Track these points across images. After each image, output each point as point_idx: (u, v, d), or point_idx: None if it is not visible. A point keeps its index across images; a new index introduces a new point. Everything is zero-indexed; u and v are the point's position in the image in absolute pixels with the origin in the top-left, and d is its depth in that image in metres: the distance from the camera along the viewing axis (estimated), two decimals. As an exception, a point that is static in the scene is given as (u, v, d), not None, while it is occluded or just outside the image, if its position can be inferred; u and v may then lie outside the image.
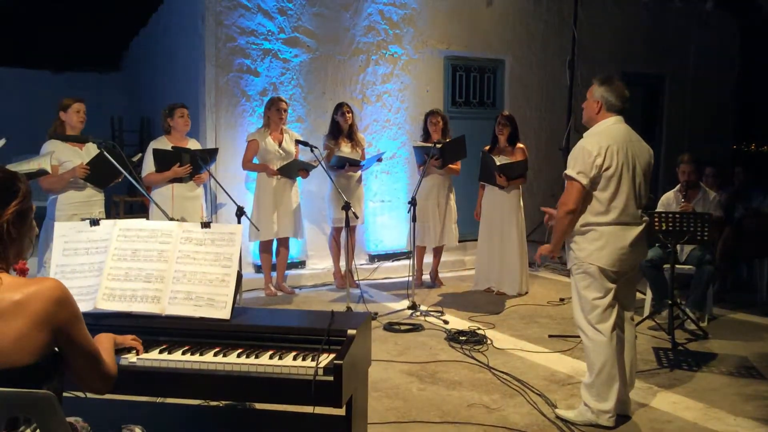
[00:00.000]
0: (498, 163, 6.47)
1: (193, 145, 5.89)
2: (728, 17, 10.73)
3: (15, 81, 9.91)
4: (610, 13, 9.43)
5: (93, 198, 5.13)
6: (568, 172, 3.60)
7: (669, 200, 5.91)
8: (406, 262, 7.25)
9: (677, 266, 5.44)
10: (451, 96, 8.49)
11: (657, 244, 5.56)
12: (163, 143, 5.73)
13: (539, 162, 8.86)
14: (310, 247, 7.43)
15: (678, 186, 5.88)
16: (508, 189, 6.61)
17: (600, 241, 3.58)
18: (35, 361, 1.72)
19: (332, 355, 2.35)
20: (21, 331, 1.69)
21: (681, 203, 5.67)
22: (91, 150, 5.06)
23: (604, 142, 3.55)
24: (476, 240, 7.07)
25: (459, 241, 7.23)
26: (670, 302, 5.15)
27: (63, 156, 4.97)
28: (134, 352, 2.39)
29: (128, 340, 2.38)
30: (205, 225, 2.69)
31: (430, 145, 6.55)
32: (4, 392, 1.64)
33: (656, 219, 5.17)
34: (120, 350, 2.37)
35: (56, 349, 1.79)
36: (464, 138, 6.70)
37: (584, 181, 3.53)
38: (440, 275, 7.32)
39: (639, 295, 5.55)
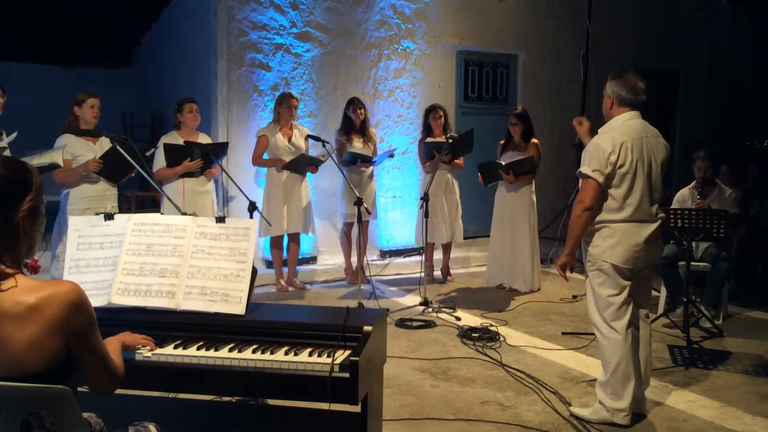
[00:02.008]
0: (504, 163, 6.46)
1: (203, 139, 5.89)
2: (743, 12, 10.63)
3: (26, 76, 9.94)
4: (624, 8, 9.35)
5: (106, 192, 5.15)
6: (583, 169, 3.55)
7: (684, 197, 5.86)
8: (418, 258, 7.23)
9: (692, 263, 5.38)
10: (463, 91, 8.45)
11: (672, 241, 5.51)
12: (174, 138, 5.73)
13: (552, 158, 8.81)
14: (321, 243, 7.42)
15: (693, 182, 5.82)
16: (520, 185, 6.57)
17: (613, 239, 3.54)
18: (47, 367, 1.68)
19: (348, 352, 2.32)
20: (34, 337, 1.64)
21: (696, 200, 5.61)
22: (104, 145, 5.07)
23: (618, 138, 3.50)
24: (485, 236, 7.03)
25: (467, 238, 7.20)
26: (684, 300, 5.10)
27: (76, 150, 4.99)
28: (148, 348, 2.38)
29: (138, 340, 2.35)
30: (220, 220, 2.68)
31: (442, 140, 6.51)
32: (18, 387, 1.62)
33: (671, 216, 5.12)
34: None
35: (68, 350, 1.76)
36: (473, 132, 6.68)
37: (600, 178, 3.49)
38: (451, 271, 7.28)
39: (653, 293, 5.50)
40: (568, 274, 3.72)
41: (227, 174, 5.72)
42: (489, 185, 6.77)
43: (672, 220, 5.10)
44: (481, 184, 6.76)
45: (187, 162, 5.61)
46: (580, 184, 3.64)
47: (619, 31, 9.30)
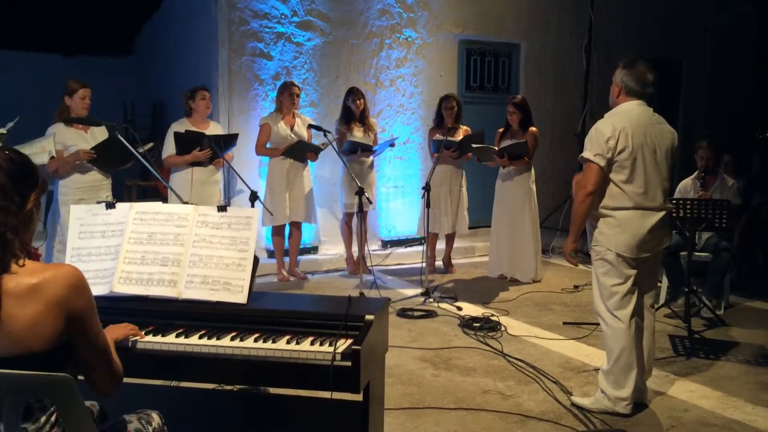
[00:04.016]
0: (497, 148, 6.49)
1: (213, 127, 5.90)
2: (747, 1, 10.57)
3: (26, 65, 9.91)
4: (627, -4, 9.31)
5: (102, 182, 5.11)
6: (585, 154, 3.55)
7: (686, 187, 5.84)
8: (419, 248, 7.22)
9: (694, 254, 5.37)
10: (465, 81, 8.43)
11: (674, 231, 5.50)
12: (184, 125, 5.74)
13: (554, 148, 8.80)
14: (322, 233, 7.42)
15: (696, 173, 5.81)
16: (518, 174, 6.57)
17: (618, 227, 3.53)
18: (48, 348, 1.70)
19: (350, 341, 2.32)
20: (36, 315, 1.68)
21: (699, 191, 5.60)
22: (96, 133, 5.03)
23: (619, 124, 3.50)
24: (488, 227, 7.04)
25: (471, 228, 7.20)
26: (686, 290, 5.10)
27: (68, 140, 4.93)
28: (151, 334, 2.38)
29: (127, 331, 2.31)
30: (222, 209, 2.67)
31: (447, 139, 6.48)
32: (22, 375, 1.63)
33: (673, 206, 5.10)
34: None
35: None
36: (483, 134, 6.65)
37: (602, 162, 3.49)
38: (453, 262, 7.28)
39: (655, 283, 5.51)
40: (568, 263, 3.73)
41: (228, 164, 5.71)
42: (482, 163, 6.82)
43: (674, 210, 5.09)
44: (480, 163, 6.85)
45: (196, 151, 5.61)
46: (583, 169, 3.64)
47: (621, 21, 9.26)
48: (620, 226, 3.53)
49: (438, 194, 6.69)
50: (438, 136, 6.79)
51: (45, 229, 5.17)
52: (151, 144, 5.53)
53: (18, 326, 1.67)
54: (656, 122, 3.60)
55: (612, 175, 3.53)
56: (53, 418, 1.73)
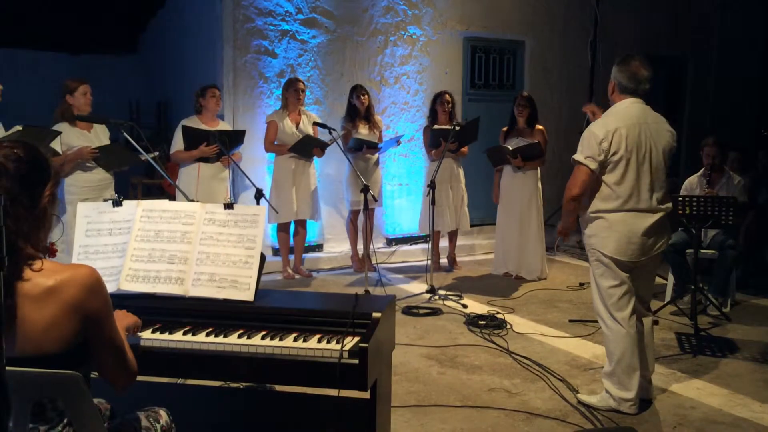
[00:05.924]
0: (511, 148, 6.42)
1: (223, 126, 5.93)
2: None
3: (31, 64, 9.91)
4: (633, -7, 9.28)
5: (107, 181, 5.12)
6: (577, 156, 3.52)
7: (692, 185, 5.82)
8: (424, 245, 7.22)
9: (700, 251, 5.35)
10: (470, 78, 8.41)
11: (680, 229, 5.49)
12: (194, 123, 5.82)
13: (559, 145, 8.77)
14: (327, 231, 7.42)
15: (702, 170, 5.79)
16: (525, 170, 6.54)
17: (608, 230, 3.49)
18: (64, 349, 1.69)
19: (357, 338, 2.32)
20: (52, 318, 1.66)
21: (705, 188, 5.58)
22: (99, 133, 5.04)
23: (612, 125, 3.44)
24: (491, 224, 7.02)
25: (473, 225, 7.19)
26: (692, 287, 5.08)
27: (72, 141, 4.93)
28: (158, 332, 2.38)
29: (133, 319, 2.21)
30: (228, 206, 2.67)
31: (450, 127, 6.48)
32: (31, 373, 1.63)
33: (679, 203, 5.09)
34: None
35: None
36: (479, 120, 6.64)
37: (593, 165, 3.45)
38: (457, 259, 7.28)
39: (660, 281, 5.49)
40: (573, 260, 3.71)
41: (233, 161, 5.71)
42: (497, 168, 6.79)
43: (680, 208, 5.08)
44: (490, 166, 6.82)
45: (203, 147, 5.64)
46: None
47: (627, 17, 9.22)
48: (610, 228, 3.49)
49: (439, 191, 6.66)
50: (438, 126, 6.77)
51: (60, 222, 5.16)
52: (155, 153, 5.47)
53: (34, 329, 1.65)
54: (653, 121, 3.53)
55: (605, 177, 3.48)
56: (66, 420, 1.73)
